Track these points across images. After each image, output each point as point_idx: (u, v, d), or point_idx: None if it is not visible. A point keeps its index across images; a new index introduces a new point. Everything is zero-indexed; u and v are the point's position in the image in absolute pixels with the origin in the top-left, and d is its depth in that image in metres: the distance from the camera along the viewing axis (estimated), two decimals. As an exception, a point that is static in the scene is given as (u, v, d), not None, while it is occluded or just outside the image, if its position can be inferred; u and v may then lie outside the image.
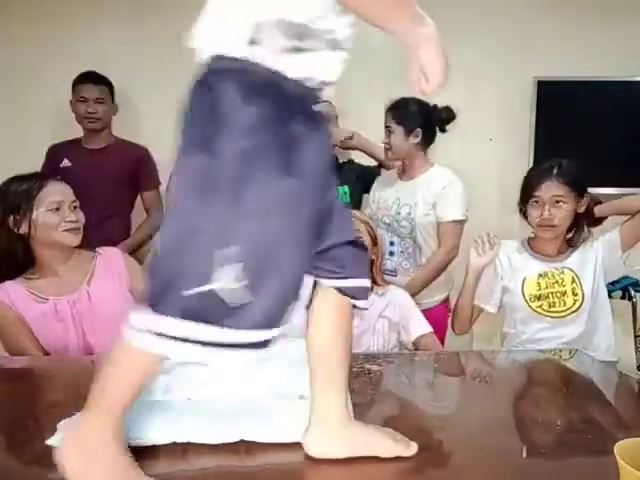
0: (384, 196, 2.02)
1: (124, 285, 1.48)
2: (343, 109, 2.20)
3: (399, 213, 1.95)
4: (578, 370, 1.22)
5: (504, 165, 2.58)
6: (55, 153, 2.27)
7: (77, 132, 2.30)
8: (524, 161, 2.51)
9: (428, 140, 1.95)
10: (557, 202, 1.49)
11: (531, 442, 0.84)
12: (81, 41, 2.51)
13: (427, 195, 1.91)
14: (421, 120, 1.91)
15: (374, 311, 1.49)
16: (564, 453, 0.79)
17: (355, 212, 1.52)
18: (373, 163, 2.24)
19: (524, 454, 0.80)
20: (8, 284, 1.38)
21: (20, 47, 2.52)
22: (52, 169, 2.26)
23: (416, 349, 1.47)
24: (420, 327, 1.49)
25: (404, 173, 2.01)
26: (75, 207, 1.43)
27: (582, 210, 1.53)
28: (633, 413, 0.95)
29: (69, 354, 1.39)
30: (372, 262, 1.50)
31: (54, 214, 1.38)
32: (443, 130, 1.95)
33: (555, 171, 1.51)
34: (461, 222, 1.92)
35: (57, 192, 1.41)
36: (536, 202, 1.52)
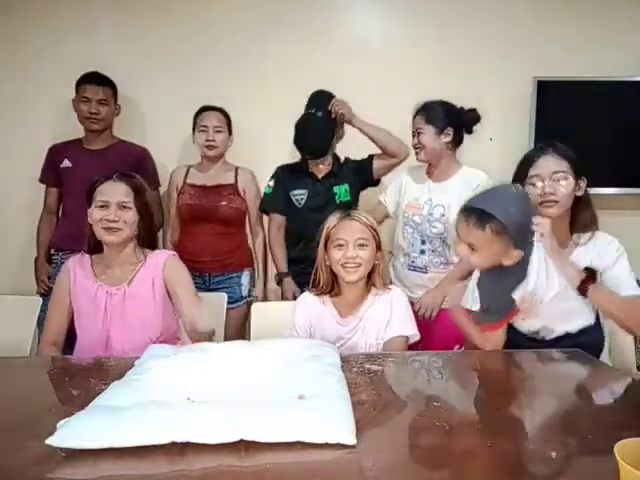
0: (415, 194, 2.01)
1: (157, 294, 1.52)
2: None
3: (431, 214, 1.95)
4: (578, 370, 1.22)
5: (504, 165, 2.57)
6: (55, 153, 2.28)
7: (78, 132, 2.30)
8: (524, 161, 2.52)
9: (457, 140, 1.97)
10: (557, 178, 1.42)
11: (531, 442, 0.84)
12: (81, 41, 2.51)
13: (462, 196, 1.91)
14: (450, 120, 1.93)
15: (373, 313, 1.49)
16: (564, 453, 0.79)
17: (361, 217, 1.50)
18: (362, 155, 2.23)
19: (524, 454, 0.80)
20: (79, 257, 1.57)
21: (20, 47, 2.52)
22: (52, 169, 2.26)
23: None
24: (400, 328, 1.47)
25: (434, 174, 2.00)
26: (123, 207, 1.49)
27: (581, 193, 1.46)
28: (633, 413, 0.95)
29: (93, 339, 1.46)
30: (374, 266, 1.50)
31: (100, 210, 1.48)
32: (470, 132, 1.98)
33: (552, 148, 1.46)
34: None
35: (106, 191, 1.50)
36: (535, 179, 1.44)
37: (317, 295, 1.54)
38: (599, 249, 1.44)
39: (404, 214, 2.02)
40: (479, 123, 1.97)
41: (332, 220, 1.51)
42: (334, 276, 1.51)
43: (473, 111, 1.96)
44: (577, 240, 1.47)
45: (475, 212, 1.26)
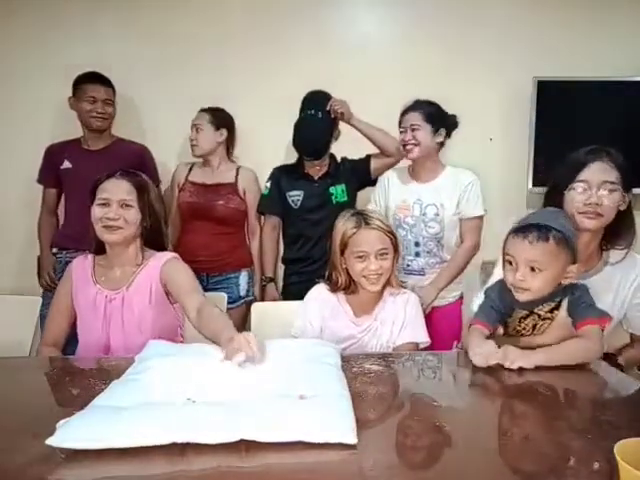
0: (402, 196, 2.00)
1: (154, 298, 1.47)
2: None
3: (425, 214, 1.94)
4: (578, 370, 1.22)
5: (504, 165, 2.58)
6: (54, 154, 2.27)
7: (77, 132, 2.30)
8: (524, 161, 2.51)
9: (444, 142, 1.98)
10: (606, 189, 1.28)
11: (531, 442, 0.84)
12: (81, 41, 2.51)
13: (452, 195, 1.93)
14: (442, 121, 1.94)
15: (387, 315, 1.49)
16: (564, 453, 0.79)
17: (379, 224, 1.45)
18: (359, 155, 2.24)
19: (524, 454, 0.80)
20: (81, 258, 1.54)
21: (19, 47, 2.52)
22: (52, 170, 2.25)
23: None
24: (412, 334, 1.46)
25: (420, 175, 1.99)
26: (125, 205, 1.45)
27: (623, 208, 1.33)
28: (633, 413, 0.95)
29: (94, 343, 1.44)
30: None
31: (101, 208, 1.44)
32: (448, 135, 1.99)
33: (605, 154, 1.31)
34: (482, 217, 1.97)
35: (108, 189, 1.46)
36: (582, 184, 1.30)
37: (332, 291, 1.52)
38: (632, 272, 1.37)
39: (395, 217, 2.00)
40: (458, 128, 1.99)
41: (349, 227, 1.45)
42: (351, 277, 1.49)
43: (454, 116, 1.98)
44: (607, 258, 1.39)
45: (532, 227, 1.19)
